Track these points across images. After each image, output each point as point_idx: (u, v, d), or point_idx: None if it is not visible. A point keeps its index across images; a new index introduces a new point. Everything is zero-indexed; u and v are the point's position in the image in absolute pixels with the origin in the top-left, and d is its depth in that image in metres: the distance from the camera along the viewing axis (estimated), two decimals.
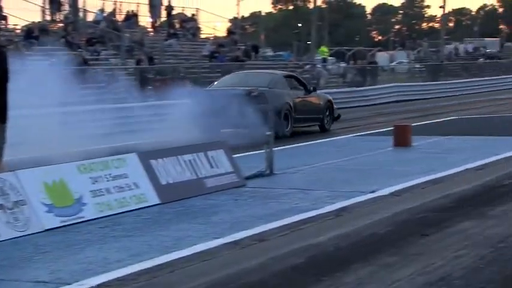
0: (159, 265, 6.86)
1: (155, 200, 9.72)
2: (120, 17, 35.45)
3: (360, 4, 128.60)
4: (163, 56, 31.45)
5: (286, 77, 21.76)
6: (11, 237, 7.80)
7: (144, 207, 9.43)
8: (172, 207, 9.57)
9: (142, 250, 7.39)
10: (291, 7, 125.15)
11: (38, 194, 8.39)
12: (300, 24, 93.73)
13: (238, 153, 12.87)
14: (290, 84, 21.09)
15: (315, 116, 21.19)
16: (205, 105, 18.10)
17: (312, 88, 21.98)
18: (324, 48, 47.10)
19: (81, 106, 18.70)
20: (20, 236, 7.89)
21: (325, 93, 23.90)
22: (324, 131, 21.18)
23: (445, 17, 58.54)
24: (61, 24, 31.25)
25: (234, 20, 54.56)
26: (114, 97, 20.99)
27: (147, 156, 10.14)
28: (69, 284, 6.17)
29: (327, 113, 21.59)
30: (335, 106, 22.25)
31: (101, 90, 22.03)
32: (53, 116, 16.58)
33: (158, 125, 17.67)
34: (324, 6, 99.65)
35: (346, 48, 53.54)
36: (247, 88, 19.45)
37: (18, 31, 29.56)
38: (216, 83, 21.52)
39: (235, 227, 8.39)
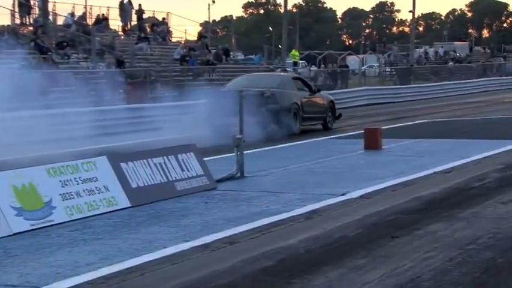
0: (129, 268, 6.85)
1: (126, 203, 9.70)
2: (90, 21, 35.29)
3: (330, 8, 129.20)
4: (134, 59, 31.35)
5: (294, 78, 23.05)
6: None
7: (115, 211, 9.41)
8: (143, 210, 9.55)
9: (113, 253, 7.36)
10: (261, 11, 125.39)
11: (7, 197, 8.34)
12: (271, 28, 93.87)
13: (209, 156, 12.89)
14: (297, 86, 22.19)
15: (320, 115, 22.46)
16: (221, 105, 18.81)
17: (316, 89, 23.31)
18: (295, 52, 47.21)
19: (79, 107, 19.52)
20: None
21: None
22: (326, 129, 22.17)
23: (415, 21, 58.88)
24: (31, 28, 31.03)
25: (205, 24, 54.54)
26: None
27: (117, 159, 10.11)
28: (40, 287, 6.14)
29: (330, 113, 22.88)
30: (336, 106, 23.58)
31: (73, 93, 22.09)
32: (23, 120, 16.68)
33: (178, 124, 18.63)
34: (294, 10, 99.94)
35: (317, 52, 53.70)
36: (259, 89, 20.57)
37: None
38: (228, 84, 22.53)
39: (205, 229, 8.39)
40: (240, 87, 20.29)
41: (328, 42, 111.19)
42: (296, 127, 20.77)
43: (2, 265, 7.00)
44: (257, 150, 15.45)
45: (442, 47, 65.61)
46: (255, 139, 16.83)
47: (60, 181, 9.11)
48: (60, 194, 8.96)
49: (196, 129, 17.46)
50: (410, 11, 52.34)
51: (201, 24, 51.80)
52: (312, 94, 22.34)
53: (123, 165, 10.07)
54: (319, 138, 18.77)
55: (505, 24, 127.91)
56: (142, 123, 19.61)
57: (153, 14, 39.95)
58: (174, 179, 10.67)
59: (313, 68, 46.97)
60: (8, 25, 31.23)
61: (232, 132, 17.40)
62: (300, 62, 48.76)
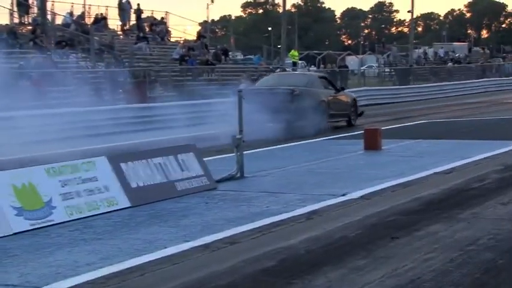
0: (129, 268, 6.83)
1: (126, 203, 9.68)
2: (89, 20, 35.26)
3: (329, 8, 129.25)
4: (133, 59, 31.33)
5: (320, 77, 24.06)
6: None
7: (115, 211, 9.40)
8: (143, 210, 9.54)
9: (113, 253, 7.35)
10: (260, 11, 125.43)
11: (6, 197, 8.33)
12: (269, 28, 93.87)
13: (209, 157, 12.89)
14: (323, 84, 23.19)
15: (344, 112, 23.39)
16: (254, 102, 19.60)
17: (340, 88, 24.62)
18: (294, 52, 47.19)
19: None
20: None
21: None
22: (350, 126, 22.96)
23: (414, 21, 58.89)
24: (29, 27, 31.01)
25: (204, 24, 54.52)
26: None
27: (117, 159, 10.10)
28: (40, 287, 6.12)
29: (353, 110, 23.80)
30: (358, 104, 24.75)
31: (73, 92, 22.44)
32: (26, 119, 16.99)
33: (212, 120, 20.00)
34: (293, 10, 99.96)
35: (316, 52, 53.70)
36: (289, 87, 21.64)
37: None
38: (258, 82, 23.90)
39: (206, 230, 8.38)
40: (269, 86, 22.04)
41: (327, 42, 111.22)
42: (324, 124, 21.39)
43: (2, 265, 6.99)
44: (257, 150, 15.46)
45: (442, 47, 65.63)
46: (284, 136, 18.78)
47: (60, 181, 9.09)
48: (60, 194, 8.95)
49: (229, 126, 17.92)
50: (409, 11, 52.36)
51: (200, 24, 51.86)
52: (337, 92, 23.30)
53: (123, 165, 10.06)
54: (319, 139, 18.76)
55: (504, 25, 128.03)
56: (176, 120, 20.44)
57: (152, 13, 39.93)
58: (174, 179, 10.66)
59: (313, 68, 46.98)
60: (7, 24, 31.22)
61: (264, 127, 18.93)
62: (300, 62, 48.75)
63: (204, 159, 11.64)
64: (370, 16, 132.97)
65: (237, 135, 12.13)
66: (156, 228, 8.54)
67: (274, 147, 16.88)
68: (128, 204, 9.68)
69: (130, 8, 36.98)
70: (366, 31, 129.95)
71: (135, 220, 8.98)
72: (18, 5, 32.29)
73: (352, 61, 53.07)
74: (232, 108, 19.50)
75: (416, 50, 59.82)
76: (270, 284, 6.48)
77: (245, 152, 12.31)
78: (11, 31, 28.70)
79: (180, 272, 6.85)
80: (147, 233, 8.26)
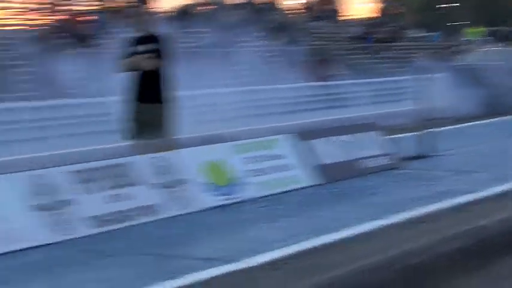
0: (319, 246, 6.78)
1: (310, 181, 9.69)
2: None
3: None
4: (309, 37, 31.36)
5: None
6: (173, 214, 7.96)
7: (300, 188, 9.42)
8: (328, 188, 9.50)
9: (301, 231, 7.30)
10: None
11: (199, 172, 8.52)
12: (447, 5, 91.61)
13: (394, 135, 12.70)
14: None
15: None
16: (462, 78, 20.72)
17: None
18: (476, 29, 45.82)
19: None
20: (182, 214, 8.03)
21: None
22: None
23: None
24: (205, 7, 31.56)
25: (379, 1, 53.90)
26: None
27: (300, 137, 10.11)
28: (237, 262, 6.16)
29: None
30: None
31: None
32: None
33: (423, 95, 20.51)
34: None
35: (499, 28, 51.94)
36: (499, 63, 22.13)
37: (169, 13, 30.07)
38: (466, 58, 24.62)
39: (393, 208, 8.21)
40: (478, 62, 22.55)
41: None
42: None
43: (198, 238, 7.13)
44: (444, 128, 15.07)
45: None
46: (490, 112, 19.13)
47: (247, 158, 9.21)
48: (248, 171, 9.05)
49: (439, 100, 17.96)
50: None
51: (375, 2, 51.13)
52: None
53: (306, 142, 10.07)
54: (508, 117, 18.12)
55: None
56: (359, 98, 21.12)
57: None
58: (357, 157, 10.56)
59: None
60: (189, 4, 31.88)
61: (470, 103, 19.29)
62: (484, 38, 47.23)
63: (389, 137, 11.48)
64: None
65: (424, 113, 11.90)
66: (342, 206, 8.49)
67: (462, 125, 16.48)
68: (313, 182, 9.68)
69: None
70: None
71: (321, 198, 8.96)
72: None
73: None
74: (417, 86, 19.40)
75: None
76: (464, 264, 6.30)
77: (436, 130, 12.01)
78: (186, 12, 29.35)
79: (370, 251, 6.76)
80: (333, 211, 8.21)
